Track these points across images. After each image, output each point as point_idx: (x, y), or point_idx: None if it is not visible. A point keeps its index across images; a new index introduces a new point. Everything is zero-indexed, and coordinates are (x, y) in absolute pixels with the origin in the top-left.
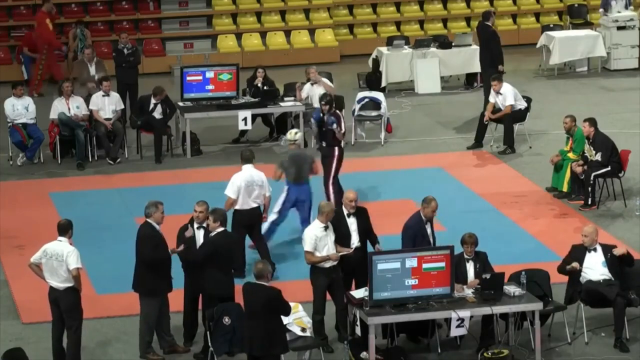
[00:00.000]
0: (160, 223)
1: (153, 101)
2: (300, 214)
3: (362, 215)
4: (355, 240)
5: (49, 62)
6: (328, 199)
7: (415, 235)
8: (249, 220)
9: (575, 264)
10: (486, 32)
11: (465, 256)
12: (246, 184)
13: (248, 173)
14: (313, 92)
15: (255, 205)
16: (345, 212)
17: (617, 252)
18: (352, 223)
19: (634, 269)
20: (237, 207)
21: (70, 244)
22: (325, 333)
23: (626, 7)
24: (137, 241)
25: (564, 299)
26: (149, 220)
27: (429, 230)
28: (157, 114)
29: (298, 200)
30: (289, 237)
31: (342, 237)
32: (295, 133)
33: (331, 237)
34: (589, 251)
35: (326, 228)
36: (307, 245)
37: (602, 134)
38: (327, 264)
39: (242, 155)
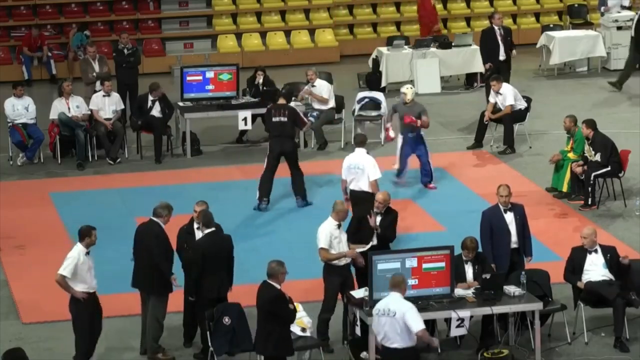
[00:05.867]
0: (165, 225)
1: (150, 98)
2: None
3: (387, 216)
4: (373, 239)
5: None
6: None
7: (490, 223)
8: (355, 200)
9: (580, 284)
10: (487, 31)
11: (464, 258)
12: (348, 165)
13: (353, 156)
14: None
15: (357, 188)
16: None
17: (623, 261)
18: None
19: (634, 269)
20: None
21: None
22: (328, 334)
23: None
24: (146, 239)
25: (574, 303)
26: (157, 220)
27: (508, 219)
28: (156, 111)
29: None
30: (289, 237)
31: (367, 235)
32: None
33: (343, 235)
34: (589, 253)
35: (339, 226)
36: (322, 242)
37: (601, 134)
38: (342, 262)
39: (354, 139)
